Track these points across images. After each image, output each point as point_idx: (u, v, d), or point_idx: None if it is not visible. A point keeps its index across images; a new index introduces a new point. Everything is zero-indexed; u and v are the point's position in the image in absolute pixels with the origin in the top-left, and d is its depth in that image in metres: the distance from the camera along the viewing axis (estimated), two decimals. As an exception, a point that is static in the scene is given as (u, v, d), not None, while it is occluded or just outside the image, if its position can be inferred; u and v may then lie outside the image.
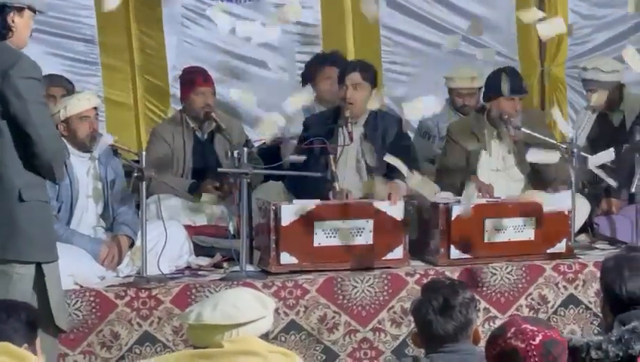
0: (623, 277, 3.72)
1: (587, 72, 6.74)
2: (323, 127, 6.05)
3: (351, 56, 7.66)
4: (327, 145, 5.79)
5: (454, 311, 3.68)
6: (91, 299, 5.11)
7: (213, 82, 6.41)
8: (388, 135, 6.10)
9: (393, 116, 6.42)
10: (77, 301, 5.09)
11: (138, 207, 5.46)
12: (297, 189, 5.87)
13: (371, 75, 6.11)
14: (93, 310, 5.10)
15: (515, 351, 3.03)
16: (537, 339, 3.04)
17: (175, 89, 7.61)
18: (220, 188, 6.07)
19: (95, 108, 5.64)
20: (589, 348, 3.53)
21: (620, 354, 3.52)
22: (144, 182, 5.32)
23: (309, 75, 7.01)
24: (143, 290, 5.17)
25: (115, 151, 5.72)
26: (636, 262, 3.81)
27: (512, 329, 3.09)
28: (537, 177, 6.19)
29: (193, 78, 6.33)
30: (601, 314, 3.95)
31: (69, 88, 6.58)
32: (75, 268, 5.21)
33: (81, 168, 5.56)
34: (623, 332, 3.54)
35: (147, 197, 5.45)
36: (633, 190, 5.83)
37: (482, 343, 3.42)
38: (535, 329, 3.08)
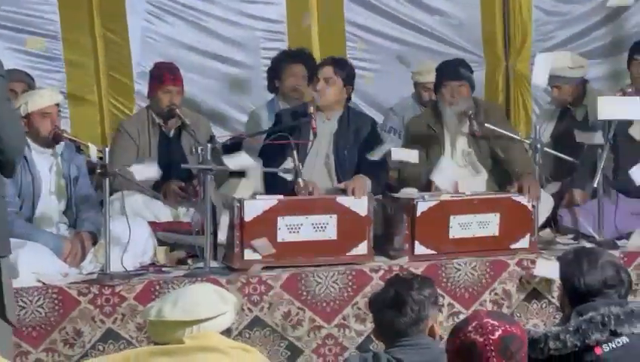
0: (581, 270, 3.75)
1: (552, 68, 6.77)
2: (290, 122, 6.04)
3: (316, 53, 7.66)
4: (290, 141, 5.77)
5: (405, 307, 3.69)
6: (54, 296, 5.07)
7: (182, 80, 6.38)
8: (360, 134, 6.10)
9: (367, 116, 6.45)
10: (39, 298, 5.05)
11: (102, 203, 5.43)
12: (269, 184, 5.84)
13: (345, 72, 6.08)
14: (56, 307, 5.07)
15: (473, 344, 3.04)
16: (496, 334, 3.05)
17: (139, 85, 7.59)
18: (184, 190, 6.04)
19: (57, 104, 5.61)
20: (547, 339, 3.56)
21: (578, 343, 3.55)
22: (107, 179, 5.29)
23: (275, 72, 7.01)
24: (106, 287, 5.14)
25: (78, 147, 5.68)
26: (594, 256, 3.84)
27: (474, 324, 3.10)
28: (501, 172, 6.21)
29: (162, 76, 6.29)
30: (559, 305, 3.98)
31: (29, 83, 6.54)
32: (38, 265, 5.18)
33: (44, 165, 5.52)
34: (581, 323, 3.58)
35: (111, 194, 5.42)
36: (595, 185, 5.85)
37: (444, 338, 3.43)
38: (496, 323, 3.09)
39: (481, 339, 3.03)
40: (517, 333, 3.09)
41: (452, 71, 6.22)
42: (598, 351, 3.57)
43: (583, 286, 3.73)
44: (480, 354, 3.01)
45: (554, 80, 6.78)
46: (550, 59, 6.14)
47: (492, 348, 3.02)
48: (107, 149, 5.47)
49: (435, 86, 6.40)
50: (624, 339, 3.58)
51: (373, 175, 5.90)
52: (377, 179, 5.95)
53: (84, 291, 5.12)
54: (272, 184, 5.82)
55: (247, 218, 5.35)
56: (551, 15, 8.28)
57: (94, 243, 5.50)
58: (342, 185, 5.75)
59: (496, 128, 6.14)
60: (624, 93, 6.16)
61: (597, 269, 3.75)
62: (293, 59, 6.92)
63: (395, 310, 3.70)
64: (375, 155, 5.87)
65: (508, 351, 3.03)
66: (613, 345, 3.57)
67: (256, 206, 5.39)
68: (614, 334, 3.58)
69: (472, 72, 6.31)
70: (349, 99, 6.21)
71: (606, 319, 3.58)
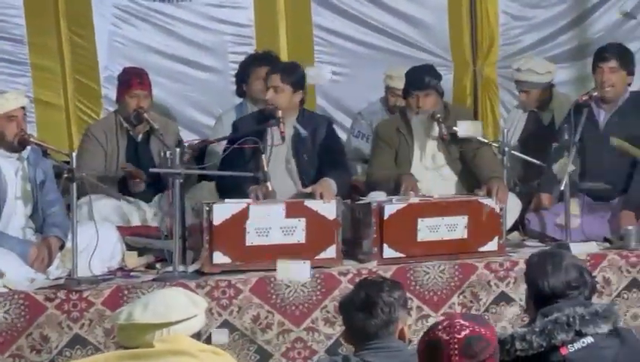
0: (546, 273, 3.78)
1: (521, 73, 6.82)
2: (251, 128, 6.01)
3: (284, 56, 7.66)
4: (259, 145, 5.76)
5: (376, 309, 3.70)
6: (20, 301, 5.04)
7: (150, 84, 6.36)
8: (317, 135, 6.09)
9: (322, 116, 6.44)
10: (5, 304, 5.02)
11: (69, 208, 5.40)
12: (226, 190, 5.80)
13: (294, 77, 6.04)
14: (23, 313, 5.03)
15: (439, 342, 3.06)
16: (462, 333, 3.06)
17: (107, 89, 7.56)
18: (136, 176, 6.03)
19: (23, 107, 5.56)
20: (513, 340, 3.58)
21: (544, 344, 3.57)
22: (75, 183, 5.26)
23: (242, 76, 6.99)
24: (73, 292, 5.11)
25: (44, 152, 5.65)
26: (559, 258, 3.87)
27: (445, 323, 3.12)
28: (470, 176, 6.23)
29: (129, 80, 6.27)
30: (526, 307, 4.00)
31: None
32: (4, 271, 5.13)
33: (9, 169, 5.48)
34: (546, 323, 3.60)
35: (78, 198, 5.39)
36: (562, 188, 5.89)
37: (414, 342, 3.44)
38: (465, 324, 3.10)
39: (447, 337, 3.05)
40: (485, 335, 3.10)
41: (418, 80, 6.20)
42: (563, 351, 3.60)
43: (547, 289, 3.75)
44: (443, 351, 3.03)
45: (522, 85, 6.83)
46: None
47: (456, 346, 3.03)
48: (74, 154, 5.44)
49: (402, 92, 6.40)
50: (589, 339, 3.61)
51: (337, 177, 5.89)
52: (341, 180, 5.94)
53: (51, 296, 5.09)
54: (235, 189, 5.78)
55: (216, 222, 5.34)
56: (518, 19, 8.31)
57: (61, 248, 5.47)
58: (308, 189, 5.73)
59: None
60: (590, 97, 6.20)
61: (561, 271, 3.78)
62: (260, 63, 6.90)
63: (365, 312, 3.70)
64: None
65: (471, 350, 3.03)
66: (579, 345, 3.60)
67: (225, 210, 5.37)
68: (579, 334, 3.61)
69: (440, 78, 6.30)
70: (303, 102, 6.18)
71: (571, 319, 3.61)
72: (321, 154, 6.03)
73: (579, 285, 3.78)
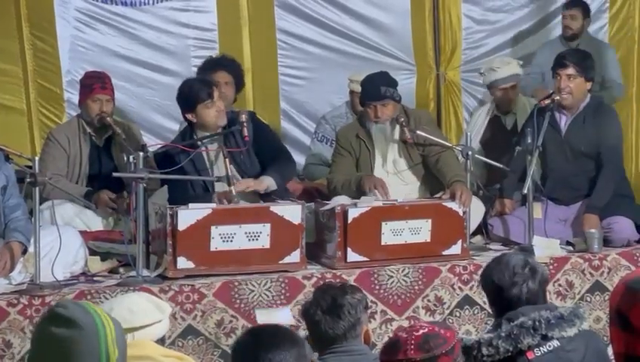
0: (490, 270, 3.83)
1: (499, 71, 6.84)
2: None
3: (247, 61, 7.66)
4: (222, 148, 5.75)
5: (342, 311, 3.72)
6: (-18, 307, 5.01)
7: (112, 88, 6.34)
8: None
9: (243, 111, 6.32)
10: (-32, 309, 4.98)
11: (31, 212, 5.36)
12: (179, 195, 5.75)
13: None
14: (-15, 318, 5.00)
15: (398, 340, 3.09)
16: (421, 331, 3.10)
17: (69, 94, 7.52)
18: (115, 201, 6.00)
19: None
20: (479, 346, 3.61)
21: (510, 349, 3.60)
22: (37, 188, 5.22)
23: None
24: (36, 298, 5.08)
25: (6, 156, 5.61)
26: (500, 257, 3.93)
27: (408, 327, 3.16)
28: (433, 180, 6.24)
29: (91, 84, 6.25)
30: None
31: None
32: (-34, 276, 5.10)
33: (-29, 174, 5.44)
34: (512, 328, 3.63)
35: (41, 203, 5.36)
36: (525, 191, 5.92)
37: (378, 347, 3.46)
38: (424, 325, 3.15)
39: (405, 335, 3.09)
40: (444, 334, 3.13)
41: (375, 91, 6.20)
42: (530, 355, 3.62)
43: (496, 283, 3.80)
44: (400, 347, 3.06)
45: (501, 82, 6.84)
46: None
47: (412, 342, 3.06)
48: (37, 158, 5.40)
49: (360, 100, 6.41)
50: (555, 343, 3.63)
51: (276, 171, 5.87)
52: (280, 172, 5.92)
53: (13, 302, 5.06)
54: (197, 193, 5.76)
55: (181, 227, 5.32)
56: (480, 24, 8.35)
57: (24, 252, 5.42)
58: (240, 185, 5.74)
59: (427, 135, 6.18)
60: (552, 101, 6.24)
61: (501, 267, 3.82)
62: (216, 67, 6.90)
63: (333, 315, 3.72)
64: None
65: (426, 345, 3.07)
66: (545, 349, 3.62)
67: (190, 215, 5.36)
68: (545, 338, 3.64)
69: (395, 85, 6.28)
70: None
71: (537, 323, 3.63)
72: (258, 150, 5.99)
73: (522, 272, 3.80)
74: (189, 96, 5.92)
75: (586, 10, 7.85)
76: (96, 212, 6.06)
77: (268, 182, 5.80)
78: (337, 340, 3.72)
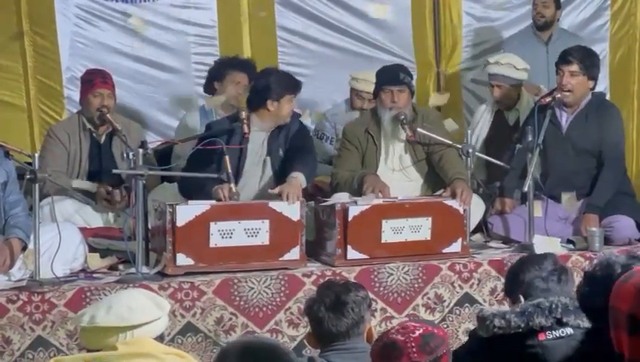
0: (522, 264, 3.86)
1: (499, 67, 6.83)
2: (224, 129, 6.00)
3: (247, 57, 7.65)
4: (222, 146, 5.75)
5: (346, 308, 3.72)
6: (-18, 303, 5.00)
7: (113, 84, 6.34)
8: (290, 132, 6.07)
9: (294, 113, 6.37)
10: (-33, 305, 4.98)
11: (31, 209, 5.36)
12: (190, 191, 5.78)
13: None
14: (-16, 315, 4.99)
15: (394, 343, 3.09)
16: (417, 332, 3.10)
17: (69, 90, 7.51)
18: (112, 194, 5.99)
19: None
20: (493, 317, 3.61)
21: (522, 325, 3.59)
22: (37, 184, 5.22)
23: (217, 74, 6.98)
24: (35, 294, 5.07)
25: (6, 153, 5.60)
26: (534, 255, 3.97)
27: (397, 328, 3.16)
28: (435, 178, 6.23)
29: (92, 79, 6.26)
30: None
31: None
32: (-34, 272, 5.10)
33: (-29, 170, 5.43)
34: (527, 306, 3.64)
35: (41, 200, 5.36)
36: (525, 189, 5.91)
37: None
38: (418, 325, 3.15)
39: (402, 338, 3.08)
40: (438, 333, 3.15)
41: (392, 76, 6.22)
42: (541, 336, 3.61)
43: (526, 278, 3.81)
44: (401, 350, 3.06)
45: (497, 79, 6.83)
46: None
47: (412, 344, 3.06)
48: (37, 155, 5.40)
49: (374, 91, 6.39)
50: (569, 330, 3.61)
51: (305, 167, 5.87)
52: (309, 169, 5.92)
53: (13, 298, 5.05)
54: (197, 190, 5.75)
55: (180, 223, 5.32)
56: (481, 21, 8.34)
57: (23, 249, 5.41)
58: (276, 190, 5.70)
59: (427, 133, 6.17)
60: (553, 99, 6.22)
61: (535, 260, 3.85)
62: (238, 68, 6.91)
63: (336, 312, 3.72)
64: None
65: (428, 347, 3.08)
66: (557, 334, 3.60)
67: (189, 211, 5.35)
68: (560, 323, 3.61)
69: (411, 77, 6.33)
70: None
71: (553, 306, 3.62)
72: (291, 150, 6.02)
73: (556, 268, 3.82)
74: (287, 84, 6.01)
75: (558, 1, 7.84)
76: (95, 208, 6.05)
77: (302, 181, 5.78)
78: (340, 337, 3.71)
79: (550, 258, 3.91)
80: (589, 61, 6.28)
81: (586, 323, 3.59)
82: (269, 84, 5.99)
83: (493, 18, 8.23)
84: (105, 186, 6.04)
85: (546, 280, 3.80)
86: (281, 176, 5.91)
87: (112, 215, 6.05)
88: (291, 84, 6.07)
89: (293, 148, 6.01)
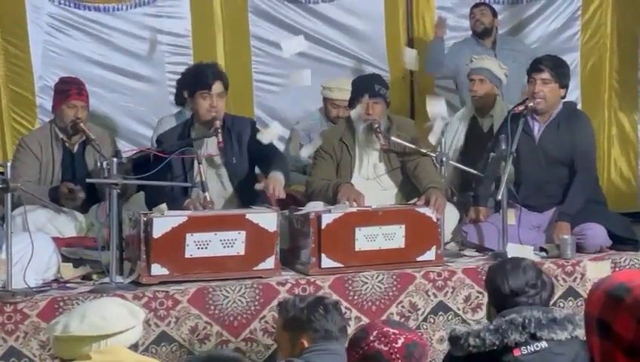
0: (505, 273, 3.84)
1: (485, 61, 6.91)
2: (176, 140, 5.98)
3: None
4: (196, 155, 5.73)
5: (340, 311, 3.90)
6: (-46, 314, 4.96)
7: (87, 94, 6.31)
8: (243, 137, 6.05)
9: (245, 119, 6.30)
10: (-61, 316, 4.94)
11: (3, 219, 5.33)
12: (154, 202, 5.73)
13: (227, 85, 6.07)
14: (-44, 325, 4.96)
15: (378, 353, 3.08)
16: (400, 342, 3.09)
17: (41, 99, 7.49)
18: (73, 191, 5.96)
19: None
20: (467, 336, 3.61)
21: (496, 342, 3.60)
22: (9, 194, 5.19)
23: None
24: (8, 304, 5.03)
25: (-22, 163, 5.57)
26: (517, 260, 3.95)
27: (375, 333, 3.14)
28: (410, 186, 6.23)
29: (67, 90, 6.20)
30: (486, 318, 4.05)
31: None
32: (-63, 283, 5.06)
33: (-58, 179, 5.39)
34: (501, 323, 3.64)
35: (13, 209, 5.32)
36: (499, 197, 5.93)
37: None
38: (397, 331, 3.14)
39: (386, 348, 3.08)
40: (418, 340, 3.15)
41: (368, 87, 6.22)
42: (516, 352, 3.62)
43: (506, 288, 3.80)
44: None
45: (480, 72, 6.89)
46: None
47: (397, 355, 3.06)
48: (9, 164, 5.37)
49: (349, 101, 6.40)
50: (543, 344, 3.63)
51: (281, 168, 5.86)
52: (285, 169, 5.91)
53: (-16, 309, 5.02)
54: (161, 200, 5.73)
55: (156, 235, 5.29)
56: (454, 30, 8.38)
57: (-5, 259, 5.38)
58: (260, 185, 5.69)
59: (401, 141, 6.18)
60: (526, 108, 6.25)
61: (519, 270, 3.84)
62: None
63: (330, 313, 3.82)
64: (264, 138, 5.87)
65: (413, 358, 3.07)
66: (532, 348, 3.62)
67: (165, 223, 5.33)
68: (534, 338, 3.63)
69: (387, 88, 6.33)
70: None
71: (527, 321, 3.63)
72: (255, 154, 6.00)
73: (536, 284, 3.82)
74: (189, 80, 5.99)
75: (493, 10, 8.00)
76: (69, 217, 6.02)
77: (281, 179, 5.77)
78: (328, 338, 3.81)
79: (532, 269, 3.91)
80: (560, 69, 6.33)
81: (559, 335, 3.63)
82: (179, 81, 6.00)
83: (466, 27, 8.26)
84: (67, 185, 6.00)
85: (532, 296, 3.82)
86: (236, 183, 5.92)
87: (87, 224, 6.02)
88: (198, 79, 5.98)
89: (257, 154, 5.98)
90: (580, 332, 3.67)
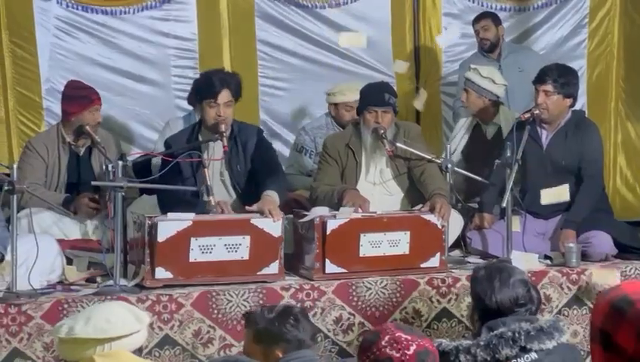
0: (493, 288, 3.81)
1: (477, 76, 6.92)
2: (184, 143, 5.98)
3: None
4: (202, 159, 5.74)
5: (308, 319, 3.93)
6: (-42, 315, 4.97)
7: None
8: (248, 146, 6.06)
9: (252, 127, 6.31)
10: (-57, 317, 4.94)
11: (8, 220, 5.34)
12: (169, 204, 5.74)
13: (238, 91, 6.07)
14: (-40, 326, 4.96)
15: (389, 359, 3.07)
16: (412, 349, 3.08)
17: (48, 102, 7.50)
18: (96, 201, 5.97)
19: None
20: (457, 353, 3.62)
21: (488, 358, 3.61)
22: (15, 196, 5.20)
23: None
24: (12, 306, 5.04)
25: (-16, 164, 5.58)
26: (506, 273, 3.90)
27: (387, 338, 3.13)
28: (415, 192, 6.23)
29: (88, 96, 6.15)
30: (469, 321, 4.05)
31: None
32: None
33: (-52, 181, 5.41)
34: (491, 338, 3.64)
35: (18, 211, 5.34)
36: (504, 205, 5.93)
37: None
38: (409, 338, 3.13)
39: (398, 355, 3.06)
40: (429, 348, 3.14)
41: (377, 97, 6.20)
42: None
43: (494, 304, 3.79)
44: None
45: (471, 85, 6.89)
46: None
47: None
48: (15, 166, 5.38)
49: (358, 108, 6.38)
50: (533, 355, 3.64)
51: (276, 186, 5.85)
52: (280, 188, 5.89)
53: (-11, 310, 5.02)
54: (176, 203, 5.73)
55: (161, 238, 5.29)
56: (461, 37, 8.37)
57: (0, 260, 5.39)
58: (254, 208, 5.66)
59: (407, 147, 6.18)
60: (532, 115, 6.25)
61: (508, 287, 3.82)
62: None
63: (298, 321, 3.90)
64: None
65: None
66: (523, 361, 3.63)
67: (170, 227, 5.33)
68: (524, 350, 3.65)
69: (396, 96, 6.32)
70: None
71: (516, 335, 3.64)
72: (256, 165, 6.00)
73: (525, 302, 3.83)
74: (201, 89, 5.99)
75: (496, 19, 7.94)
76: (74, 219, 6.03)
77: (277, 199, 5.76)
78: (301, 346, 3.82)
79: (521, 285, 3.90)
80: (563, 79, 6.26)
81: (547, 344, 3.64)
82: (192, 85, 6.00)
83: (473, 34, 8.25)
84: (88, 195, 6.00)
85: (521, 313, 3.82)
86: (240, 189, 5.91)
87: (91, 227, 6.02)
88: (205, 89, 5.98)
89: (258, 165, 5.99)
90: (566, 337, 3.69)
